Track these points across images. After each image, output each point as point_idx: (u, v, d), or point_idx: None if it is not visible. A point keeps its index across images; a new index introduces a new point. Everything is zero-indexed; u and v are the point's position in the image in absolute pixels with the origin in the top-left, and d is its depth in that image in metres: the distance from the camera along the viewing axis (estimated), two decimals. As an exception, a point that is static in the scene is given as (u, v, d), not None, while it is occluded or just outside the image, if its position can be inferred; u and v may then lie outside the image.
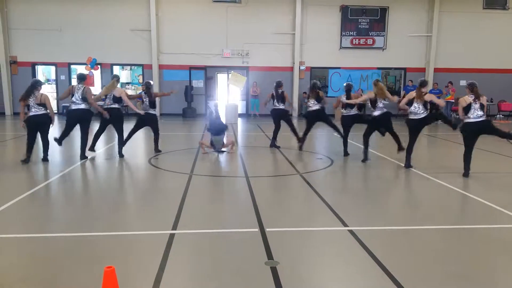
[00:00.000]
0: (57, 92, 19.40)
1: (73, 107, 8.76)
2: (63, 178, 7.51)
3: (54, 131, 9.54)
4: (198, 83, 20.19)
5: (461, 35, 20.08)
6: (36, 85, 8.36)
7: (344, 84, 10.02)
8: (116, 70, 20.15)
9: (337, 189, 7.20)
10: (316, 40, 19.86)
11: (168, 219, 5.19)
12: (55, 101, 17.97)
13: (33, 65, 19.21)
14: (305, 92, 19.12)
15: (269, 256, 4.14)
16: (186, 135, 14.03)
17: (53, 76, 19.99)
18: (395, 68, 20.93)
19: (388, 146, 9.73)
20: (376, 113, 8.98)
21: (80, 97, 8.68)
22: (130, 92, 19.20)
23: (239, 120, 17.87)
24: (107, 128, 9.64)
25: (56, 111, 9.79)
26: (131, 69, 21.12)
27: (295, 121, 11.14)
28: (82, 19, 18.79)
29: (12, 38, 18.83)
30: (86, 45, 18.81)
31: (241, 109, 19.98)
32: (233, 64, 19.74)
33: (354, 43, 20.08)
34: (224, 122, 10.24)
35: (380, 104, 8.89)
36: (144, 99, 9.66)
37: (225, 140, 10.00)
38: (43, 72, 20.68)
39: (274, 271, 3.82)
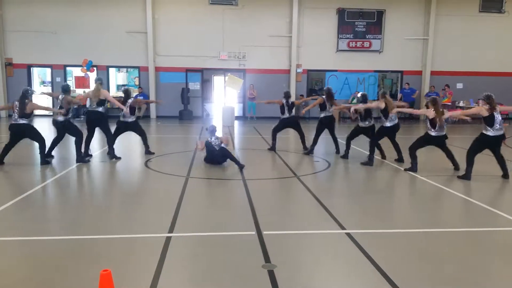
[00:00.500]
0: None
1: (59, 118, 8.83)
2: (59, 181, 7.46)
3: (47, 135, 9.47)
4: (194, 86, 20.14)
5: (458, 38, 20.15)
6: (27, 95, 8.38)
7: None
8: (112, 72, 20.13)
9: (334, 192, 7.18)
10: (313, 42, 19.87)
11: (164, 222, 5.15)
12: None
13: (28, 67, 19.13)
14: (302, 95, 19.15)
15: (267, 259, 4.11)
16: (183, 137, 13.98)
17: (48, 78, 19.91)
18: (392, 71, 20.98)
19: (386, 149, 9.72)
20: (389, 124, 9.04)
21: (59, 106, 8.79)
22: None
23: (236, 123, 17.84)
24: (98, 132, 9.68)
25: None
26: (127, 71, 21.08)
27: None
28: (78, 21, 18.72)
29: (8, 40, 18.74)
30: (82, 47, 18.73)
31: (237, 111, 19.95)
32: (229, 66, 19.72)
33: (351, 45, 20.11)
34: (222, 146, 8.79)
35: (392, 116, 8.98)
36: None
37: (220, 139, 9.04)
38: (38, 74, 20.61)
39: (271, 274, 3.79)
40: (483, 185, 7.48)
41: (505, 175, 7.80)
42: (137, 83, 20.04)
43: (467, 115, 8.12)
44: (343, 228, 5.06)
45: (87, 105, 9.63)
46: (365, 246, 4.45)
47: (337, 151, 10.32)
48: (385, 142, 9.49)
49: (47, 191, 6.93)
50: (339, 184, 7.94)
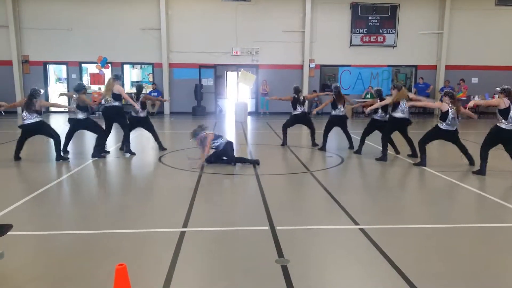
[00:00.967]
0: (68, 91, 19.55)
1: (80, 116, 8.94)
2: (75, 176, 7.57)
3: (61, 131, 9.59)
4: (207, 82, 20.21)
5: (473, 32, 19.86)
6: (35, 94, 8.46)
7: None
8: (127, 68, 20.27)
9: (348, 187, 7.15)
10: (326, 37, 19.77)
11: (179, 217, 5.20)
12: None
13: (44, 64, 19.38)
14: (315, 90, 19.09)
15: (280, 254, 4.14)
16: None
17: (64, 75, 20.14)
18: (406, 66, 20.76)
19: (399, 145, 9.66)
20: (399, 115, 8.95)
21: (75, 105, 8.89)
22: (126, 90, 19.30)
23: (249, 118, 17.86)
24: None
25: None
26: (141, 67, 21.21)
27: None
28: (93, 18, 18.92)
29: (24, 37, 19.00)
30: (97, 44, 18.93)
31: (250, 107, 19.96)
32: (242, 62, 19.73)
33: (364, 40, 19.97)
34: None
35: (405, 108, 8.91)
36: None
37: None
38: (54, 71, 20.86)
39: (284, 269, 3.81)
40: (497, 180, 7.40)
41: None
42: (151, 79, 20.16)
43: (488, 105, 8.02)
44: (356, 223, 5.06)
45: (103, 102, 9.71)
46: (379, 242, 4.44)
47: (351, 147, 10.28)
48: (399, 138, 9.44)
49: (63, 187, 7.04)
50: (352, 179, 7.91)
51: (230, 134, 13.67)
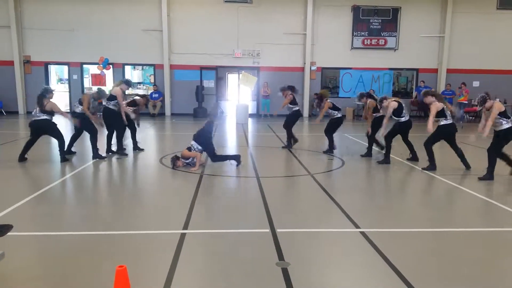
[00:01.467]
0: (69, 92, 19.62)
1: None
2: (76, 177, 7.57)
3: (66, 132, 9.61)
4: (209, 83, 20.22)
5: (475, 35, 19.86)
6: (45, 94, 8.48)
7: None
8: (128, 70, 20.30)
9: (348, 190, 7.14)
10: (328, 40, 19.80)
11: (179, 219, 5.19)
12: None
13: (46, 64, 19.41)
14: (316, 94, 19.07)
15: (280, 257, 4.13)
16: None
17: (65, 76, 20.18)
18: (407, 69, 20.78)
19: (401, 148, 9.66)
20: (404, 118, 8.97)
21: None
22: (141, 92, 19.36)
23: (250, 121, 17.86)
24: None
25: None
26: (142, 69, 21.25)
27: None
28: (95, 19, 18.95)
29: (26, 37, 19.03)
30: (99, 45, 18.96)
31: (251, 109, 19.97)
32: (244, 64, 19.75)
33: (365, 43, 19.98)
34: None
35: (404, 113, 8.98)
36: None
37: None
38: (56, 72, 20.90)
39: (285, 272, 3.81)
40: (503, 186, 7.37)
41: None
42: (152, 80, 20.18)
43: (494, 117, 7.78)
44: (357, 226, 5.05)
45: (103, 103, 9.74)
46: (380, 245, 4.44)
47: (330, 150, 10.22)
48: (400, 142, 9.44)
49: (64, 187, 7.04)
50: (353, 182, 7.89)
51: (231, 136, 13.68)
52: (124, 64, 19.71)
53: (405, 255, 4.28)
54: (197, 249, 4.40)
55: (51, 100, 8.51)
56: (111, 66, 19.27)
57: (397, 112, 8.89)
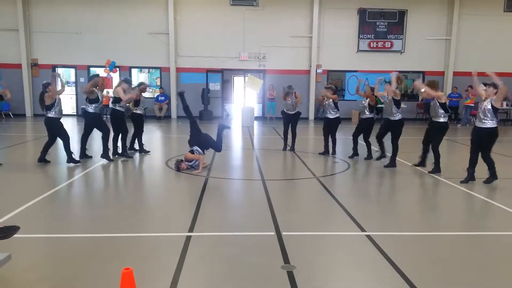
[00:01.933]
0: (76, 94, 19.74)
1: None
2: (82, 179, 7.60)
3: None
4: (215, 86, 20.27)
5: (481, 38, 19.78)
6: (44, 88, 8.40)
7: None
8: (135, 72, 20.38)
9: (354, 194, 7.12)
10: (333, 43, 19.79)
11: (185, 221, 5.21)
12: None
13: (53, 67, 19.49)
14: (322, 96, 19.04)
15: (286, 260, 4.13)
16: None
17: (72, 79, 20.29)
18: (413, 72, 20.69)
19: (406, 151, 9.63)
20: (398, 117, 8.87)
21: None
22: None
23: (255, 123, 17.87)
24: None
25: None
26: (149, 71, 21.32)
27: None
28: (101, 23, 19.07)
29: (34, 41, 19.19)
30: (105, 48, 19.08)
31: (257, 112, 19.99)
32: (250, 67, 19.77)
33: (371, 46, 19.95)
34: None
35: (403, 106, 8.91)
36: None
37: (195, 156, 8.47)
38: (63, 75, 20.99)
39: (290, 275, 3.80)
40: (508, 188, 7.34)
41: None
42: (158, 83, 20.25)
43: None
44: (363, 230, 5.04)
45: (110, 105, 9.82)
46: (385, 249, 4.42)
47: (330, 152, 10.26)
48: (405, 144, 9.39)
49: (70, 190, 7.06)
50: (359, 185, 7.89)
51: (236, 138, 13.69)
52: (130, 67, 19.80)
53: (411, 259, 4.26)
54: (203, 251, 4.40)
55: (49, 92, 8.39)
56: (117, 69, 19.36)
57: (397, 103, 8.75)
